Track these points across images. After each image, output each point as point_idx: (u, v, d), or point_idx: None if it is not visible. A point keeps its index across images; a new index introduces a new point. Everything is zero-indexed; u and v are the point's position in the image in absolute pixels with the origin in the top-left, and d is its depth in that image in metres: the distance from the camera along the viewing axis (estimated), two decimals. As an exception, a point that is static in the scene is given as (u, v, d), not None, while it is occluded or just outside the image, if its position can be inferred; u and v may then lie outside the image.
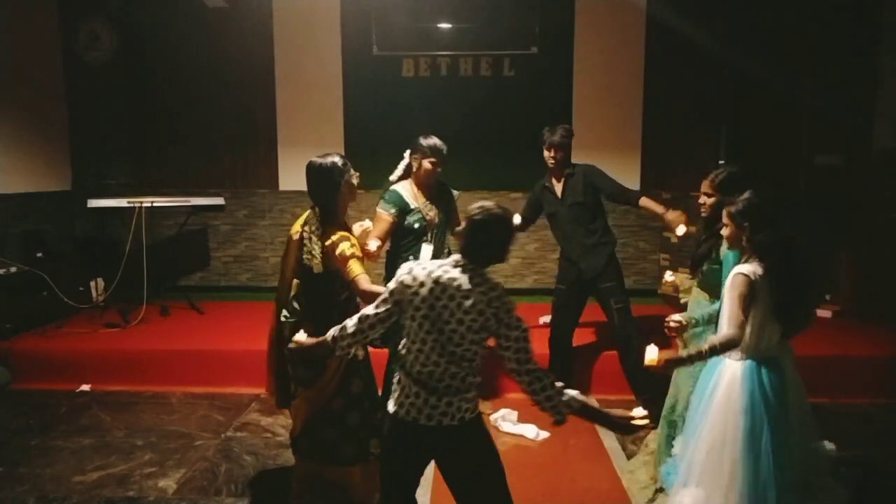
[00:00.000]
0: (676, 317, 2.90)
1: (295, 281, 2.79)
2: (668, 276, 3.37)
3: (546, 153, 4.08)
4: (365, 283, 2.63)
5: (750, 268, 2.45)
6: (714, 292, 2.95)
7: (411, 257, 3.50)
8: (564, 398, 2.06)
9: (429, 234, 3.60)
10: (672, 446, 2.94)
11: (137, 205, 5.21)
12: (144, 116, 6.30)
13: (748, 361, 2.48)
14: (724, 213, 2.59)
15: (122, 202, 5.33)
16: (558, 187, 4.13)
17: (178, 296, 5.77)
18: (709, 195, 3.04)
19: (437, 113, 6.01)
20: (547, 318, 5.23)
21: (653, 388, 3.54)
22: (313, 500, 2.84)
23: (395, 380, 2.19)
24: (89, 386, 4.56)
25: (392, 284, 2.15)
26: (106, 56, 6.19)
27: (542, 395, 2.05)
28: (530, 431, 3.78)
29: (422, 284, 2.07)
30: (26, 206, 5.63)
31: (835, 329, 5.06)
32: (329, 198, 2.77)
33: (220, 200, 5.79)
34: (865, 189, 5.66)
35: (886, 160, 5.51)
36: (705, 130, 6.01)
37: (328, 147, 6.07)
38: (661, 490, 3.00)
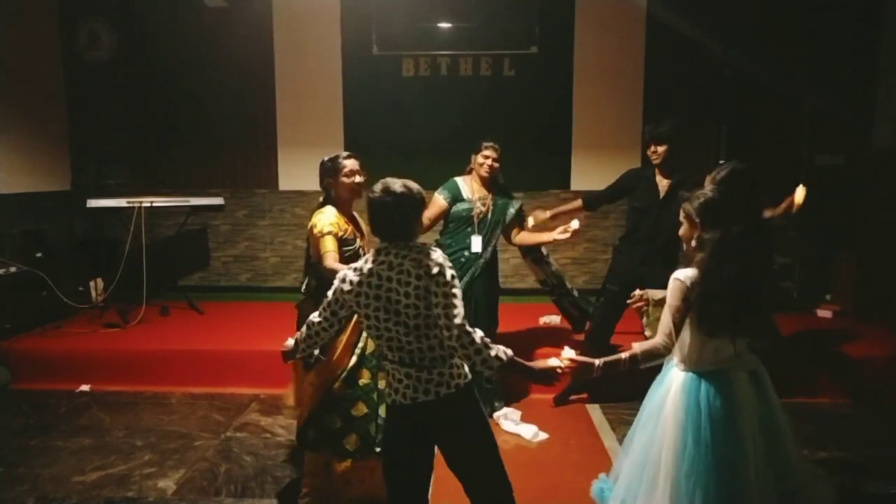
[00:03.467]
0: (638, 292, 2.75)
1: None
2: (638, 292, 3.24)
3: (649, 149, 3.87)
4: (330, 260, 2.77)
5: (688, 273, 2.26)
6: None
7: (452, 244, 3.85)
8: (493, 351, 2.05)
9: (474, 226, 3.86)
10: None
11: (137, 205, 5.21)
12: (144, 116, 6.31)
13: (689, 374, 2.32)
14: (682, 208, 2.38)
15: (121, 202, 5.33)
16: (663, 185, 3.87)
17: (177, 296, 5.76)
18: None
19: (437, 113, 6.02)
20: (548, 319, 5.23)
21: None
22: (323, 496, 2.85)
23: (385, 373, 2.24)
24: (89, 386, 4.56)
25: (330, 295, 2.22)
26: (106, 56, 6.19)
27: (472, 350, 2.04)
28: (530, 432, 3.78)
29: (359, 283, 2.13)
30: (26, 206, 5.63)
31: (835, 329, 5.06)
32: (324, 188, 3.02)
33: (219, 200, 5.79)
34: (865, 189, 5.66)
35: (886, 160, 5.51)
36: (705, 130, 6.01)
37: (328, 147, 6.11)
38: None
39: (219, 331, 5.11)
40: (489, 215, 3.89)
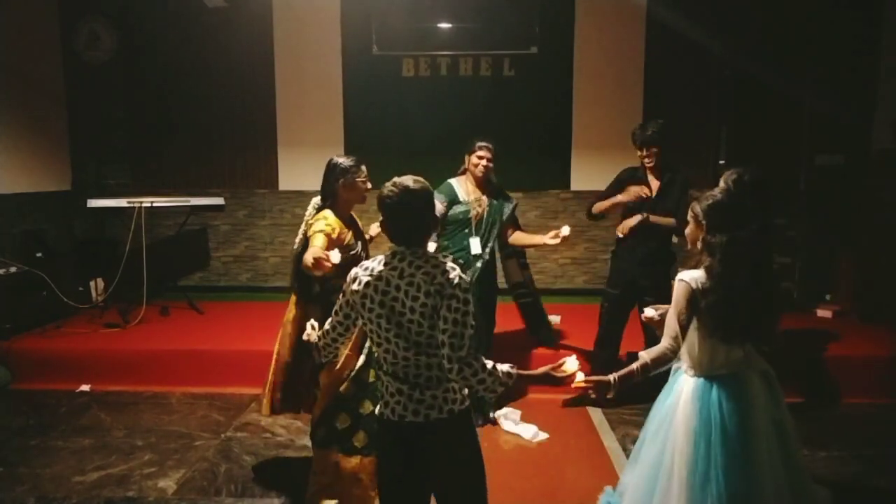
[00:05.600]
0: (646, 315, 2.63)
1: None
2: (649, 312, 2.93)
3: (639, 153, 3.89)
4: (309, 254, 2.66)
5: (694, 275, 2.25)
6: None
7: (449, 246, 3.81)
8: (500, 375, 1.96)
9: (472, 227, 3.81)
10: None
11: (137, 205, 5.21)
12: (144, 116, 6.31)
13: (700, 379, 2.31)
14: (689, 208, 2.37)
15: (121, 202, 5.33)
16: (654, 185, 3.93)
17: (178, 296, 5.76)
18: None
19: (437, 113, 6.02)
20: (556, 318, 5.24)
21: None
22: (331, 494, 2.86)
23: (378, 382, 2.15)
24: (89, 386, 4.56)
25: (341, 297, 2.13)
26: (106, 56, 6.19)
27: (474, 380, 1.93)
28: (530, 432, 3.78)
29: (367, 284, 2.02)
30: (26, 206, 5.63)
31: (835, 329, 5.06)
32: (327, 191, 3.00)
33: (219, 200, 5.79)
34: (865, 189, 5.66)
35: (886, 160, 5.51)
36: (705, 130, 6.01)
37: (328, 147, 6.14)
38: None
39: (219, 331, 5.11)
40: (486, 216, 3.85)
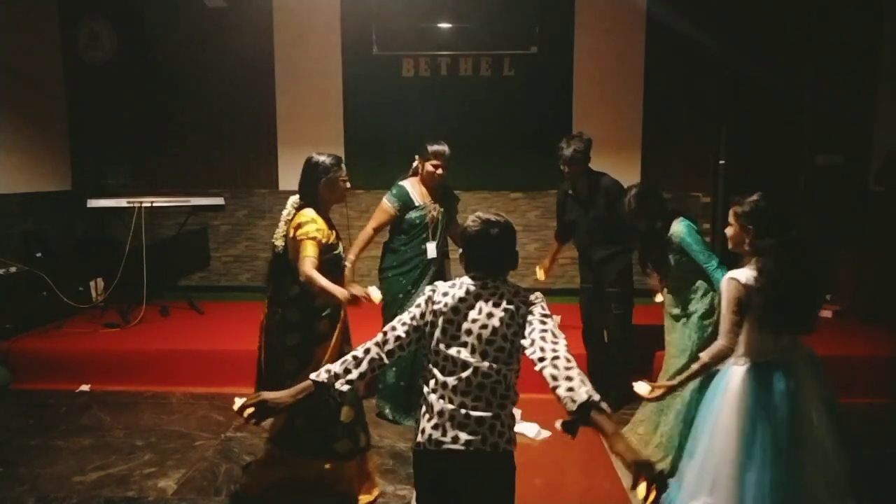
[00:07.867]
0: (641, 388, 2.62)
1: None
2: (659, 299, 3.49)
3: (561, 167, 3.99)
4: (309, 266, 2.64)
5: (745, 272, 2.40)
6: (682, 293, 3.18)
7: (407, 251, 3.81)
8: (587, 390, 1.87)
9: (429, 233, 3.80)
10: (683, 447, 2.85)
11: (137, 205, 5.22)
12: (144, 116, 6.30)
13: (749, 366, 2.44)
14: (731, 212, 2.53)
15: (122, 202, 5.33)
16: (582, 195, 4.07)
17: (178, 296, 5.77)
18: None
19: (437, 113, 6.01)
20: (555, 318, 5.25)
21: (619, 394, 3.78)
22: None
23: (422, 402, 2.04)
24: (89, 386, 4.56)
25: (421, 303, 2.03)
26: (106, 56, 6.19)
27: (576, 371, 1.89)
28: (531, 430, 3.78)
29: (445, 306, 1.98)
30: (26, 206, 5.63)
31: (835, 329, 5.05)
32: (308, 191, 2.92)
33: (220, 200, 5.80)
34: (866, 189, 5.66)
35: (887, 160, 5.51)
36: (705, 130, 6.01)
37: (328, 147, 6.05)
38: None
39: (219, 331, 5.11)
40: (440, 220, 3.84)
